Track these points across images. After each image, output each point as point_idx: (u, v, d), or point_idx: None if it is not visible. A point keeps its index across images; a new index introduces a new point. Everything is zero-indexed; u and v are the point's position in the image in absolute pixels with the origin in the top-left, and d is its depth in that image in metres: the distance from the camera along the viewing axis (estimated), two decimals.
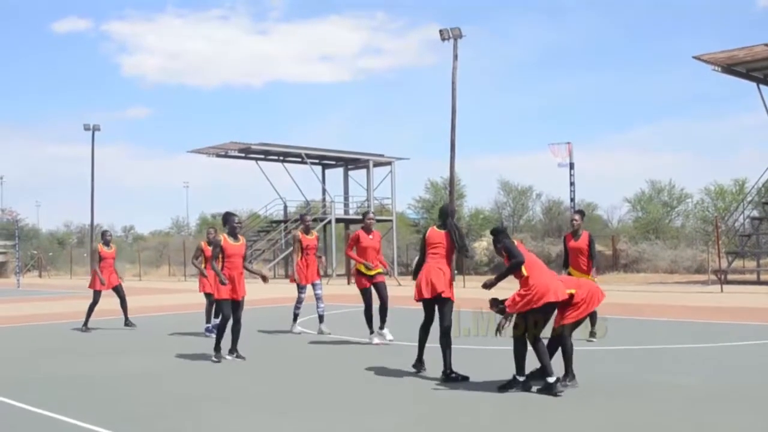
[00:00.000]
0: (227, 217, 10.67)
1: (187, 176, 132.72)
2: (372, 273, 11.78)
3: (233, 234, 10.55)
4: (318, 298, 13.50)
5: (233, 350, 10.55)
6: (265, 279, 11.05)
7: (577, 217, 12.10)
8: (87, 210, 62.79)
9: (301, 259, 13.41)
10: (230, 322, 10.42)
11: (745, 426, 6.22)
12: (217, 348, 10.35)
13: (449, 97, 40.86)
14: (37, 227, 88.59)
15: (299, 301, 13.59)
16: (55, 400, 7.77)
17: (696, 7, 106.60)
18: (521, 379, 7.75)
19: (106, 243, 15.61)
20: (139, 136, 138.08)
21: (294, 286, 13.63)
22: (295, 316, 13.75)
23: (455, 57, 40.77)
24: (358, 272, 11.88)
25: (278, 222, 48.05)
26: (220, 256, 10.34)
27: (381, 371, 9.26)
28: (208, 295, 13.33)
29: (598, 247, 14.50)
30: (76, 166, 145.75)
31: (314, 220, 45.55)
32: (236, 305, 10.41)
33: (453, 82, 40.71)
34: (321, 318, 13.57)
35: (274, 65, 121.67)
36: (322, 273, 13.97)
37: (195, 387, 8.53)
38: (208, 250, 13.37)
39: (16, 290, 33.82)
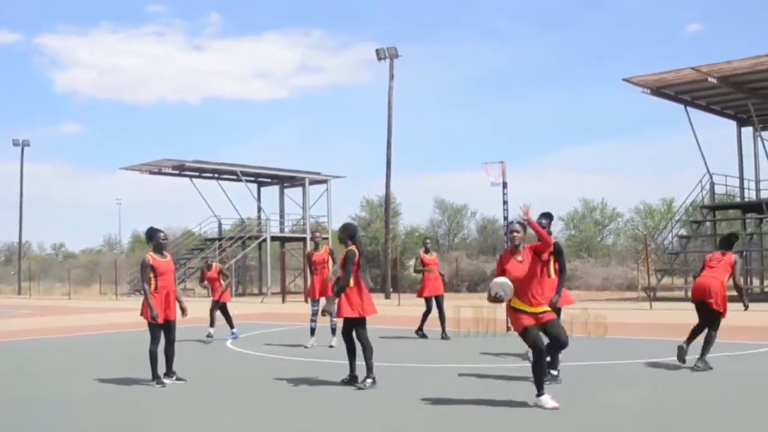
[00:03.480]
0: (152, 233, 9.89)
1: (120, 193, 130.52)
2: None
3: (159, 250, 9.86)
4: (330, 314, 13.36)
5: (170, 373, 9.89)
6: (183, 311, 10.02)
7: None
8: (15, 227, 61.29)
9: (313, 275, 13.71)
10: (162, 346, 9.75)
11: None
12: (155, 376, 9.64)
13: (386, 115, 41.13)
14: None
15: (313, 314, 13.71)
16: None
17: (626, 31, 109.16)
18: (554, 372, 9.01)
19: None
20: (71, 153, 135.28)
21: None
22: (312, 330, 13.81)
23: (391, 76, 41.09)
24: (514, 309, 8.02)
25: (212, 240, 47.56)
26: (151, 276, 9.63)
27: (319, 389, 9.19)
28: (216, 303, 15.57)
29: None
30: (4, 183, 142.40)
31: (249, 238, 45.33)
32: (168, 327, 9.73)
33: (389, 101, 41.00)
34: (333, 331, 13.59)
35: (210, 82, 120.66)
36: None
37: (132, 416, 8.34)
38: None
39: None
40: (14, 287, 56.67)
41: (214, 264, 16.28)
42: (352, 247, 9.36)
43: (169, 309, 9.73)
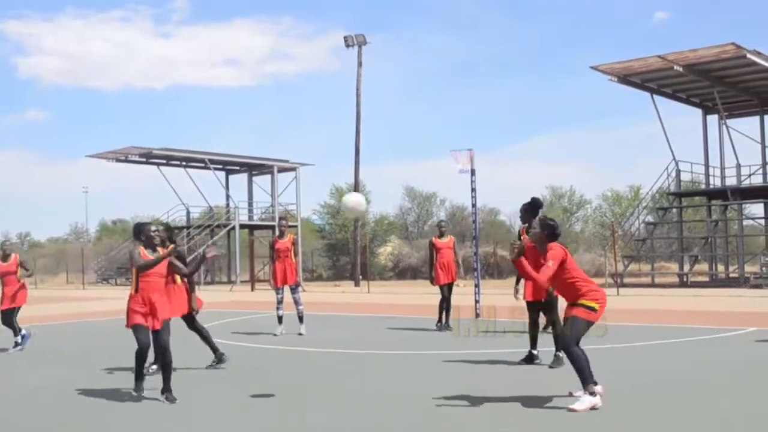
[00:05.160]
0: (140, 227, 8.31)
1: (87, 181, 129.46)
2: None
3: (152, 246, 8.17)
4: (295, 302, 13.56)
5: (167, 389, 7.94)
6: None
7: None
8: None
9: (275, 262, 13.51)
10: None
11: (657, 428, 6.38)
12: (139, 377, 8.13)
13: (354, 103, 41.08)
14: None
15: (278, 302, 13.63)
16: None
17: (594, 19, 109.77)
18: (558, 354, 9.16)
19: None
20: (36, 140, 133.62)
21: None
22: (279, 318, 13.67)
23: (359, 64, 41.06)
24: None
25: (181, 228, 47.27)
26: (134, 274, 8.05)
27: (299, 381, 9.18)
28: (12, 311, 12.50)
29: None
30: None
31: (217, 226, 45.10)
32: (157, 331, 8.00)
33: (357, 89, 40.97)
34: (300, 319, 13.65)
35: (177, 69, 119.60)
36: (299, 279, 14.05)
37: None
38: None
39: None
40: None
41: (12, 254, 12.87)
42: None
43: (155, 314, 7.96)
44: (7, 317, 12.46)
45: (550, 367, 9.29)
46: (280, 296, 13.59)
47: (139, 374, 8.14)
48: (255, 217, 48.94)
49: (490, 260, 44.67)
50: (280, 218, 14.75)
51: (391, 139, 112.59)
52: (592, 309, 7.12)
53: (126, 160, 46.18)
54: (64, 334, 15.83)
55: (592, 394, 6.84)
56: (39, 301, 27.69)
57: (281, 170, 47.94)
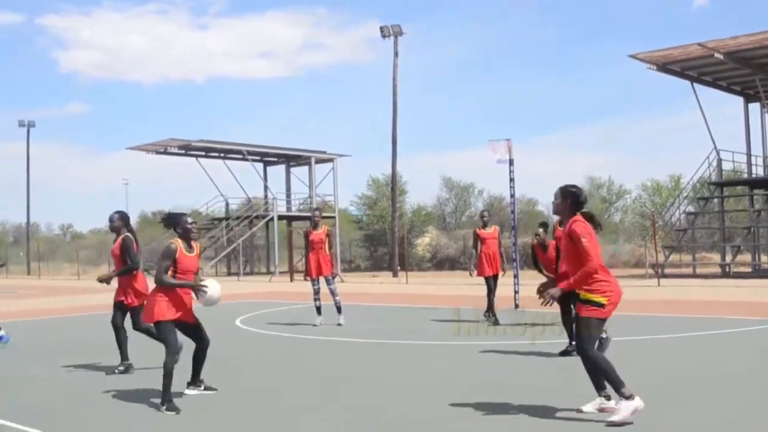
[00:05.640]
0: (175, 218, 7.58)
1: (127, 173, 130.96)
2: None
3: (188, 239, 7.51)
4: (331, 292, 13.57)
5: (196, 381, 7.84)
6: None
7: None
8: (23, 208, 61.51)
9: (309, 254, 13.56)
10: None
11: (696, 420, 6.33)
12: (166, 395, 7.09)
13: (391, 93, 41.05)
14: None
15: (314, 293, 13.75)
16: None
17: (633, 7, 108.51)
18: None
19: None
20: (77, 133, 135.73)
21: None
22: (317, 309, 13.79)
23: (396, 54, 40.96)
24: None
25: (220, 219, 47.66)
26: (171, 270, 7.35)
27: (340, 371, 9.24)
28: None
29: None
30: (11, 163, 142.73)
31: (256, 217, 45.38)
32: (193, 327, 7.61)
33: (394, 79, 40.91)
34: (338, 310, 13.74)
35: (214, 61, 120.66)
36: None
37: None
38: None
39: None
40: (23, 268, 56.95)
41: None
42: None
43: (187, 310, 7.51)
44: None
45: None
46: (316, 287, 13.66)
47: (167, 391, 7.08)
48: (293, 208, 49.17)
49: (528, 251, 44.42)
50: (314, 209, 14.68)
51: (428, 129, 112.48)
52: (599, 305, 6.08)
53: (165, 152, 46.62)
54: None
55: (630, 397, 5.95)
56: (82, 292, 28.14)
57: (319, 161, 48.09)
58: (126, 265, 9.26)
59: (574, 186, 6.46)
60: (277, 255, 44.37)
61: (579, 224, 6.18)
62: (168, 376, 7.09)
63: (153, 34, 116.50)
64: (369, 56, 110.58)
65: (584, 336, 6.11)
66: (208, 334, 7.72)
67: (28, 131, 57.49)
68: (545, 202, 58.51)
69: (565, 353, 9.48)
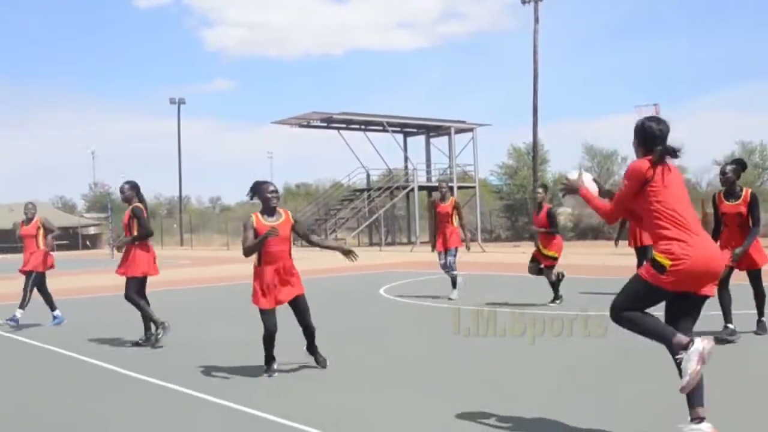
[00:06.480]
0: (256, 186, 7.45)
1: (271, 147, 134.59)
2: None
3: (269, 210, 7.35)
4: (449, 266, 13.20)
5: (312, 350, 7.65)
6: (347, 253, 7.64)
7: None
8: (175, 182, 64.36)
9: (437, 226, 13.37)
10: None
11: None
12: (269, 360, 7.38)
13: (531, 61, 40.45)
14: None
15: (441, 267, 13.47)
16: (147, 364, 8.04)
17: None
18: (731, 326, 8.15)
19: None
20: (224, 109, 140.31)
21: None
22: (453, 282, 13.36)
23: (536, 20, 40.22)
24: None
25: (361, 190, 48.29)
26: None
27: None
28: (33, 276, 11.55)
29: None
30: (163, 140, 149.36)
31: (396, 188, 45.73)
32: (295, 307, 7.35)
33: (534, 46, 40.20)
34: (453, 284, 13.35)
35: (353, 33, 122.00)
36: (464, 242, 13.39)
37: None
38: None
39: (111, 261, 34.69)
40: (177, 239, 59.56)
41: (35, 217, 11.75)
42: None
43: (280, 292, 7.22)
44: (26, 281, 11.53)
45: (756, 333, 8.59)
46: (442, 261, 13.35)
47: (269, 358, 7.37)
48: (433, 179, 49.24)
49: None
50: (441, 180, 14.30)
51: (569, 96, 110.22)
52: (660, 268, 4.56)
53: (308, 126, 47.53)
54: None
55: (688, 344, 4.47)
56: (229, 261, 29.23)
57: (458, 131, 47.94)
58: (139, 233, 9.43)
59: (649, 118, 5.01)
60: (418, 225, 44.61)
61: (631, 165, 4.85)
62: (265, 347, 7.32)
63: (294, 9, 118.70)
64: (509, 24, 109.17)
65: (619, 297, 4.78)
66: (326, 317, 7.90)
67: (179, 108, 59.73)
68: (694, 169, 56.35)
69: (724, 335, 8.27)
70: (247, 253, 7.23)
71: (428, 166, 49.59)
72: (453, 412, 5.65)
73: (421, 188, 46.69)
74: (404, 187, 46.07)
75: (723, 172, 8.57)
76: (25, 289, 11.42)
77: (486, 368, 7.42)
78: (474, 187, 47.30)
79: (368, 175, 49.62)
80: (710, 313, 8.42)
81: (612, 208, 4.93)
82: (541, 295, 12.51)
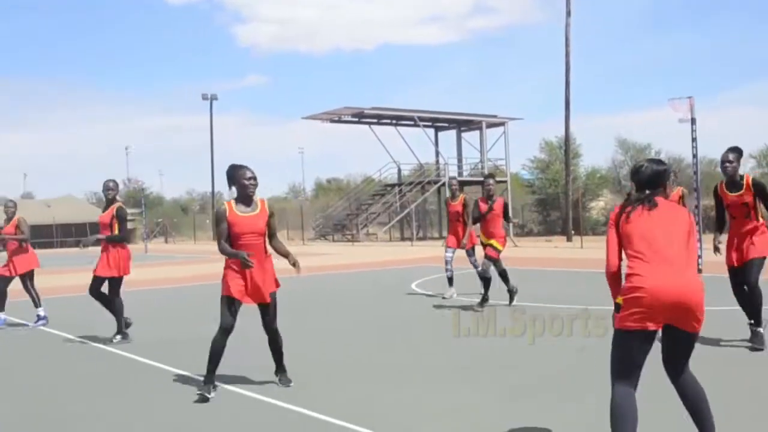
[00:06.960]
0: (232, 172, 6.56)
1: (302, 142, 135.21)
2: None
3: (245, 198, 6.56)
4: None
5: (280, 370, 6.94)
6: (294, 264, 6.86)
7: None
8: (208, 177, 64.71)
9: (449, 224, 13.34)
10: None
11: None
12: (209, 377, 6.48)
13: (562, 54, 40.09)
14: (162, 195, 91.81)
15: (445, 263, 13.22)
16: (178, 358, 8.11)
17: None
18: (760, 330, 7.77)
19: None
20: (255, 104, 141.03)
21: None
22: (449, 280, 13.28)
23: (568, 13, 39.84)
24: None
25: (392, 185, 48.28)
26: (227, 234, 6.51)
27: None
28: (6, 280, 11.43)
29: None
30: (196, 135, 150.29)
31: (428, 182, 45.67)
32: (262, 310, 6.73)
33: (566, 39, 39.85)
34: (449, 281, 13.27)
35: (384, 28, 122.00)
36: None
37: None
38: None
39: (145, 255, 35.07)
40: (209, 234, 59.98)
41: (15, 215, 11.30)
42: None
43: (256, 287, 6.60)
44: (23, 283, 11.35)
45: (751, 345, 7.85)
46: (448, 256, 13.09)
47: (211, 373, 6.47)
48: (464, 173, 49.13)
49: (710, 213, 42.52)
50: (451, 178, 14.15)
51: (601, 90, 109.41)
52: (617, 308, 4.32)
53: (339, 121, 47.58)
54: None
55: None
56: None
57: (490, 125, 47.74)
58: (118, 236, 9.60)
59: (648, 161, 4.61)
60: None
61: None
62: (210, 357, 6.43)
63: (324, 5, 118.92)
64: (539, 17, 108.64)
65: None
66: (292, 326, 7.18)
67: (211, 104, 59.97)
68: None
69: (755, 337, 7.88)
70: (221, 252, 6.55)
71: (459, 160, 49.44)
72: (472, 408, 5.65)
73: None
74: (435, 182, 45.99)
75: (727, 161, 7.93)
76: (28, 291, 11.37)
77: (520, 364, 7.40)
78: (506, 182, 47.10)
79: (399, 170, 49.61)
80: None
81: (606, 261, 4.47)
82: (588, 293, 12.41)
